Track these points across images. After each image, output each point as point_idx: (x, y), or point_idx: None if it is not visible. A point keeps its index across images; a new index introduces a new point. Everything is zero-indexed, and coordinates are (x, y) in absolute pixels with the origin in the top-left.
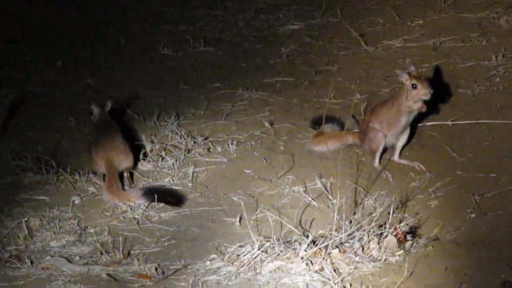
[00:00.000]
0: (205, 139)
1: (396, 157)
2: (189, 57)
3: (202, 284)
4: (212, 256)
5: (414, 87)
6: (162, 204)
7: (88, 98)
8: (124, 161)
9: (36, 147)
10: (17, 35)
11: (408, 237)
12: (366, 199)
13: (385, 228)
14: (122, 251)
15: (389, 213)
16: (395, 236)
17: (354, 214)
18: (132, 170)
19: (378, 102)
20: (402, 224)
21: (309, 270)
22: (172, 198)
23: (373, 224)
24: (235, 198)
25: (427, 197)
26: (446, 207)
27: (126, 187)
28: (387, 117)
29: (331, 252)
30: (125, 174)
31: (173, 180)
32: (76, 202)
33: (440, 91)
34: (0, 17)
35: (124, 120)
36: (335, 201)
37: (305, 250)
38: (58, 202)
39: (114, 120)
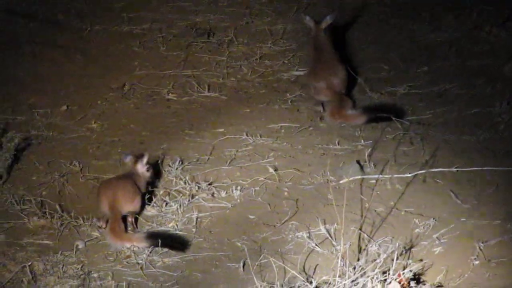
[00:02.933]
0: (209, 184)
1: None
2: (193, 102)
3: None
4: None
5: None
6: (166, 249)
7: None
8: (129, 204)
9: (40, 191)
10: (21, 79)
11: (412, 283)
12: (370, 245)
13: (389, 274)
14: None
15: (393, 260)
16: (399, 282)
17: (358, 260)
18: (137, 216)
19: None
20: (406, 270)
21: None
22: (175, 243)
23: (377, 270)
24: (238, 244)
25: (431, 243)
26: (450, 254)
27: (130, 231)
28: None
29: None
30: (129, 219)
31: (177, 225)
32: (80, 246)
33: (445, 138)
34: (4, 60)
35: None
36: (339, 247)
37: None
38: (62, 247)
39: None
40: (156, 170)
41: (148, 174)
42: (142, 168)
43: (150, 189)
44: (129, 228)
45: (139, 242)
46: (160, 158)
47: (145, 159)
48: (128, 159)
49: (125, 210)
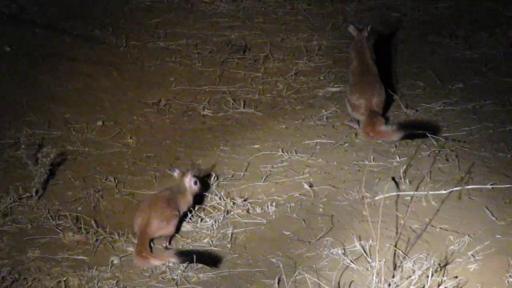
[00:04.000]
0: (244, 200)
1: None
2: (229, 118)
3: None
4: None
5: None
6: (201, 265)
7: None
8: (162, 230)
9: (75, 206)
10: (57, 94)
11: None
12: (405, 261)
13: None
14: None
15: (427, 276)
16: None
17: (393, 277)
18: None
19: None
20: (441, 287)
21: None
22: (206, 258)
23: (412, 287)
24: (273, 260)
25: (466, 260)
26: (485, 271)
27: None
28: None
29: None
30: (163, 244)
31: (212, 241)
32: (115, 262)
33: (480, 155)
34: (41, 75)
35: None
36: (374, 263)
37: None
38: (97, 262)
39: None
40: (202, 183)
41: (195, 188)
42: (189, 181)
43: (197, 207)
44: (162, 246)
45: (167, 259)
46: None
47: (191, 174)
48: (176, 173)
49: (157, 234)
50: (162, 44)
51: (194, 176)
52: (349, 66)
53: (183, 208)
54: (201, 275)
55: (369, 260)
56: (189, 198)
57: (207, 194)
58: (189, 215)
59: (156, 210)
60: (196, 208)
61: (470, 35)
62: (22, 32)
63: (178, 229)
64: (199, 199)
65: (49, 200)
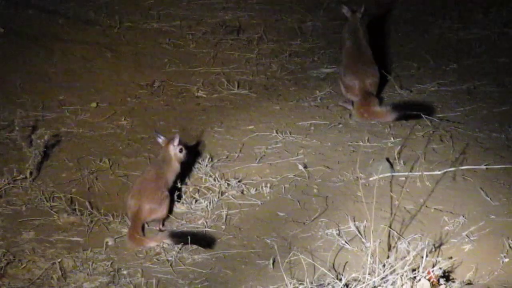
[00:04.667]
0: (239, 181)
1: None
2: (223, 99)
3: None
4: None
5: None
6: (195, 247)
7: (124, 139)
8: (154, 214)
9: (70, 188)
10: (50, 76)
11: (442, 281)
12: (400, 242)
13: (418, 272)
14: None
15: (422, 257)
16: (429, 280)
17: (388, 257)
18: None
19: None
20: (435, 268)
21: None
22: (199, 240)
23: (406, 267)
24: (268, 241)
25: (461, 241)
26: (479, 251)
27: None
28: None
29: None
30: (157, 227)
31: (206, 222)
32: (110, 243)
33: (474, 135)
34: (35, 56)
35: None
36: (368, 244)
37: None
38: (92, 244)
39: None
40: (188, 150)
41: (181, 155)
42: (174, 149)
43: (179, 185)
44: (156, 228)
45: (162, 240)
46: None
47: (176, 140)
48: (161, 140)
49: (150, 219)
50: (156, 26)
51: (180, 143)
52: (343, 47)
53: (172, 178)
54: (195, 256)
55: (364, 241)
56: (176, 166)
57: (201, 175)
58: (184, 197)
59: (146, 194)
60: (191, 189)
61: (464, 15)
62: (16, 14)
63: (171, 210)
64: (188, 170)
65: (44, 182)
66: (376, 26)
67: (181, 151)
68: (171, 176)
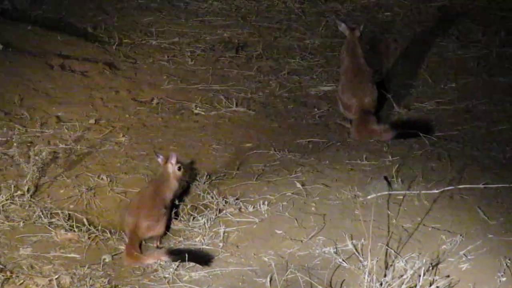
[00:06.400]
0: (237, 199)
1: None
2: (221, 117)
3: None
4: None
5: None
6: (192, 264)
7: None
8: (151, 231)
9: (67, 204)
10: (49, 92)
11: None
12: (397, 261)
13: None
14: None
15: (419, 276)
16: None
17: (385, 276)
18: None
19: None
20: (432, 286)
21: None
22: (198, 257)
23: (403, 286)
24: (265, 259)
25: (458, 259)
26: (477, 270)
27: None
28: None
29: None
30: (155, 244)
31: (204, 240)
32: (107, 260)
33: (472, 154)
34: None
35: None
36: (366, 262)
37: None
38: (89, 260)
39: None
40: (185, 170)
41: (179, 173)
42: (173, 167)
43: (177, 202)
44: (153, 245)
45: (159, 257)
46: (187, 172)
47: (174, 158)
48: (160, 159)
49: (147, 236)
50: (154, 43)
51: (178, 162)
52: (341, 65)
53: (170, 196)
54: (193, 274)
55: (361, 259)
56: (174, 184)
57: (199, 192)
58: (181, 214)
59: (144, 211)
60: (188, 206)
61: (463, 34)
62: (15, 30)
63: (168, 227)
64: (186, 188)
65: (41, 198)
66: (375, 44)
67: (179, 169)
68: (169, 194)
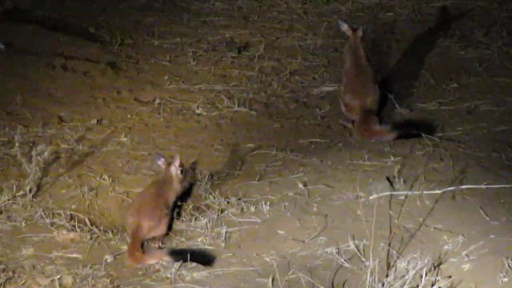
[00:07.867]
0: (239, 199)
1: None
2: (223, 117)
3: None
4: None
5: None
6: (194, 264)
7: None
8: (153, 232)
9: (69, 204)
10: (51, 92)
11: None
12: (399, 261)
13: None
14: None
15: (421, 276)
16: None
17: (387, 276)
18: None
19: None
20: (434, 287)
21: None
22: (199, 257)
23: (405, 287)
24: (267, 259)
25: (460, 260)
26: (479, 271)
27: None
28: None
29: None
30: (156, 244)
31: (206, 240)
32: (109, 260)
33: (474, 155)
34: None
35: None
36: (368, 263)
37: None
38: (91, 260)
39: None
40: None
41: (182, 176)
42: (175, 169)
43: (179, 203)
44: (155, 245)
45: (161, 258)
46: (189, 173)
47: (177, 161)
48: (162, 161)
49: (149, 236)
50: (156, 43)
51: (180, 164)
52: (343, 65)
53: (172, 198)
54: (195, 274)
55: (363, 259)
56: (177, 186)
57: (201, 192)
58: (183, 214)
59: (146, 212)
60: (190, 206)
61: (465, 34)
62: (17, 30)
63: (170, 227)
64: (188, 188)
65: (43, 198)
66: (377, 45)
67: (182, 171)
68: (172, 196)
